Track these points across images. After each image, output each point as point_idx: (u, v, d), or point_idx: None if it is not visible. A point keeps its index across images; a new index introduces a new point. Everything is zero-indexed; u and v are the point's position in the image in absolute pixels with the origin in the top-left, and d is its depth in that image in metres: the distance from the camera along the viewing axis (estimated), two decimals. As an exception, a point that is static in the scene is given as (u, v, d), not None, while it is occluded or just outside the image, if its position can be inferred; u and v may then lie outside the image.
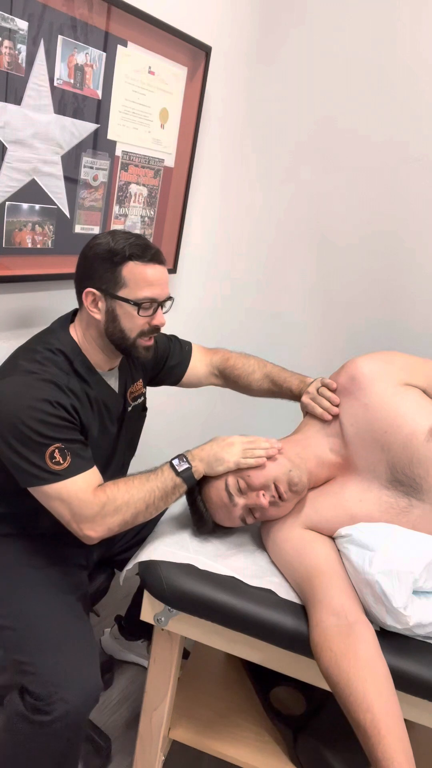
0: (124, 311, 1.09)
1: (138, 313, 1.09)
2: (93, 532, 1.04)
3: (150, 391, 1.39)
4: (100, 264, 1.08)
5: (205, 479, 1.12)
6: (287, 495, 1.08)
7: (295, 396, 1.31)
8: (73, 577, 1.22)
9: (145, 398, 1.34)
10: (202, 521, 1.14)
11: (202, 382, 1.44)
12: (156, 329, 1.14)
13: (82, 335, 1.14)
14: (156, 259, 1.10)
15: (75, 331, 1.15)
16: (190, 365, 1.40)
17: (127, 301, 1.08)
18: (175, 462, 1.10)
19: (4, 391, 1.03)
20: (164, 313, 1.16)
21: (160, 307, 1.13)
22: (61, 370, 1.09)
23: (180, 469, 1.08)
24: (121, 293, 1.08)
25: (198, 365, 1.42)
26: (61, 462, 1.01)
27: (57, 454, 1.01)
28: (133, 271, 1.08)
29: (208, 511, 1.13)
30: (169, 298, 1.15)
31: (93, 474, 1.07)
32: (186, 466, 1.09)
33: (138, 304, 1.09)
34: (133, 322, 1.10)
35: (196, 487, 1.13)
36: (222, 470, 1.09)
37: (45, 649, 1.07)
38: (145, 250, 1.08)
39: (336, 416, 1.16)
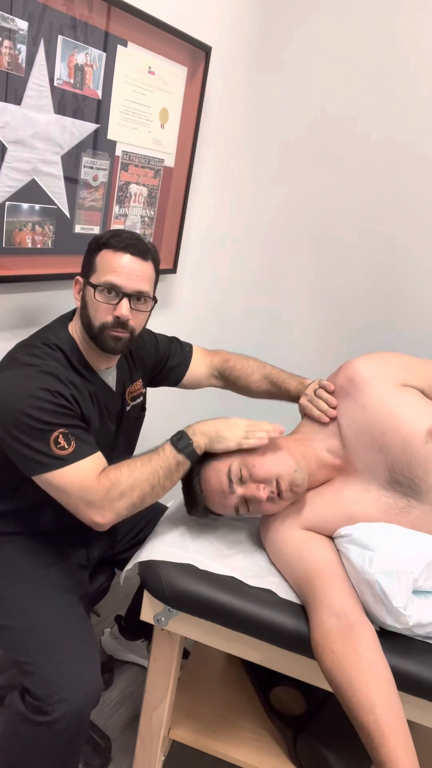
0: (90, 296, 1.09)
1: (95, 296, 1.08)
2: (102, 518, 1.02)
3: (150, 391, 1.39)
4: (86, 255, 1.13)
5: (208, 461, 1.10)
6: (286, 494, 1.07)
7: (293, 397, 1.31)
8: (74, 577, 1.22)
9: (144, 398, 1.34)
10: (195, 503, 1.12)
11: (202, 384, 1.44)
12: (119, 322, 1.09)
13: (77, 331, 1.14)
14: (130, 249, 1.08)
15: (73, 330, 1.15)
16: (190, 366, 1.40)
17: (90, 284, 1.09)
18: (176, 439, 1.07)
19: (3, 384, 1.03)
20: (143, 311, 1.12)
21: (127, 300, 1.08)
22: (60, 365, 1.09)
23: (181, 446, 1.06)
24: (91, 279, 1.09)
25: (198, 366, 1.41)
26: (66, 447, 1.01)
27: (61, 439, 1.01)
28: (104, 257, 1.09)
29: (202, 493, 1.10)
30: (144, 295, 1.11)
31: (98, 459, 1.05)
32: (187, 442, 1.06)
33: (95, 286, 1.08)
34: (95, 308, 1.09)
35: (196, 467, 1.10)
36: (221, 449, 1.07)
37: (46, 649, 1.07)
38: (122, 240, 1.08)
39: (333, 418, 1.16)
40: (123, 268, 1.07)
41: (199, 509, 1.13)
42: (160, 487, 1.05)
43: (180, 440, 1.07)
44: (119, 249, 1.08)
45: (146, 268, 1.11)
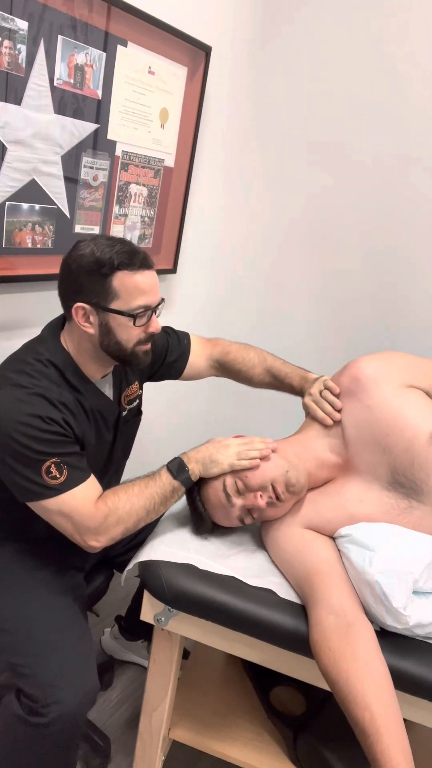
0: (119, 323, 1.05)
1: (134, 323, 1.05)
2: (96, 542, 1.04)
3: (150, 392, 1.38)
4: (87, 277, 1.02)
5: (204, 479, 1.12)
6: (284, 496, 1.08)
7: (296, 391, 1.31)
8: (68, 579, 1.21)
9: (140, 401, 1.32)
10: (201, 521, 1.14)
11: (202, 375, 1.42)
12: (152, 337, 1.10)
13: (75, 347, 1.10)
14: (145, 264, 1.04)
15: (65, 341, 1.11)
16: (189, 359, 1.37)
17: (121, 313, 1.04)
18: (172, 465, 1.10)
19: None
20: (158, 316, 1.11)
21: (153, 313, 1.09)
22: (52, 383, 1.05)
23: (177, 473, 1.09)
24: (114, 305, 1.03)
25: (198, 359, 1.38)
26: (58, 476, 1.00)
27: (53, 469, 1.00)
28: (124, 281, 1.02)
29: (206, 511, 1.13)
30: (161, 300, 1.11)
31: (92, 484, 1.05)
32: (183, 468, 1.09)
33: (133, 315, 1.04)
34: (129, 333, 1.06)
35: (195, 488, 1.13)
36: (216, 472, 1.10)
37: (41, 651, 1.07)
38: (133, 257, 1.02)
39: (338, 421, 1.15)
40: (148, 287, 1.05)
41: (206, 527, 1.15)
42: (155, 512, 1.09)
43: (176, 467, 1.10)
44: (134, 268, 1.03)
45: (156, 276, 1.09)
